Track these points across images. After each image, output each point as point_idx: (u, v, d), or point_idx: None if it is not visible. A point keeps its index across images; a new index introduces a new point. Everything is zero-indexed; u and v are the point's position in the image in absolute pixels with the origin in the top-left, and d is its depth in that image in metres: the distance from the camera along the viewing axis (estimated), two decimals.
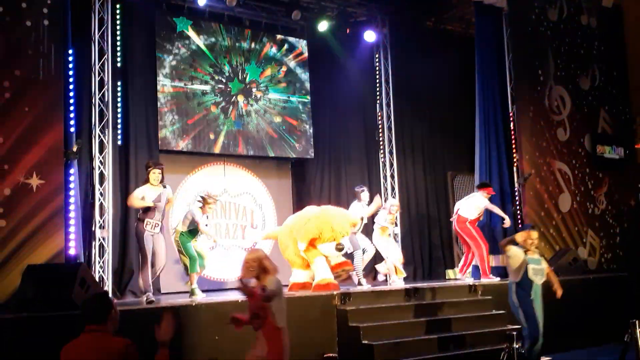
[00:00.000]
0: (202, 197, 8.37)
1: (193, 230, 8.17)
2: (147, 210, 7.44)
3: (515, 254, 6.67)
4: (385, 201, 10.12)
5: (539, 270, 6.69)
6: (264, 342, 4.65)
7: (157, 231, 7.47)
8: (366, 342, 6.88)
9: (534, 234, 6.78)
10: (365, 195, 9.39)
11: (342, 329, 7.16)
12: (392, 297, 7.99)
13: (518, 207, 10.53)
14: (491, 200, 9.89)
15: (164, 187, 7.64)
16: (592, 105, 11.69)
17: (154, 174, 7.54)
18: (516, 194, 10.58)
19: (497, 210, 9.62)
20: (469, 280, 9.62)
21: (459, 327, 7.60)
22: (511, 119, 10.78)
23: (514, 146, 10.72)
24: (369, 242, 9.46)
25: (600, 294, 9.49)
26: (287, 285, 8.81)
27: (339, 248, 8.15)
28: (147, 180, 7.58)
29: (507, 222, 9.54)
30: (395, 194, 11.42)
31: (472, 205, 9.61)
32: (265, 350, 4.62)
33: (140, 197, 7.45)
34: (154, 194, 7.49)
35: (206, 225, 8.25)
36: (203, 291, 8.26)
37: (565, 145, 11.15)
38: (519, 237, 6.75)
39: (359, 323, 7.09)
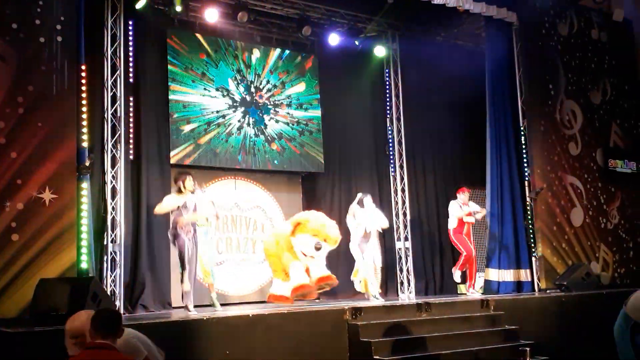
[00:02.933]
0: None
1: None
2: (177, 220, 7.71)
3: None
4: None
5: None
6: None
7: (189, 237, 7.70)
8: (378, 357, 6.82)
9: None
10: (367, 200, 9.34)
11: (354, 344, 7.11)
12: (403, 312, 7.94)
13: (530, 222, 10.48)
14: (502, 211, 10.00)
15: (192, 193, 7.93)
16: (603, 119, 11.66)
17: (189, 181, 7.86)
18: (528, 208, 10.53)
19: (473, 207, 9.86)
20: (476, 295, 9.60)
21: (471, 343, 7.53)
22: (522, 133, 10.77)
23: (525, 160, 10.69)
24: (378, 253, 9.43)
25: (614, 309, 9.36)
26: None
27: (317, 247, 8.10)
28: (179, 190, 7.87)
29: (480, 215, 9.98)
30: (406, 207, 11.39)
31: (450, 213, 9.83)
32: None
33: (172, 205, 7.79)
34: (181, 200, 7.77)
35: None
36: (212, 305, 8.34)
37: (577, 159, 11.12)
38: None
39: (371, 338, 7.05)
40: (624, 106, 12.03)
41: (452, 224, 9.80)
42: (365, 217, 9.26)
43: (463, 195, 9.85)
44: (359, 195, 9.52)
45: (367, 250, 9.23)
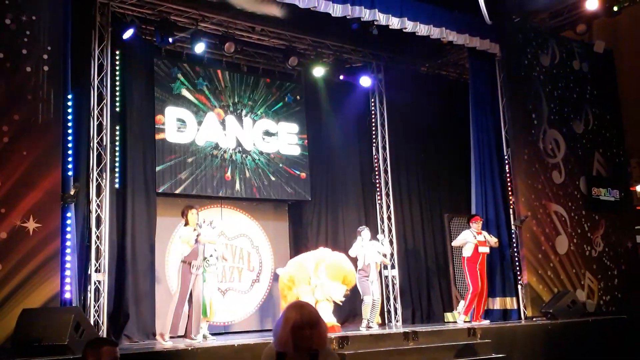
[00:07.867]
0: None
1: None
2: (191, 252, 7.74)
3: None
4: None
5: None
6: None
7: (199, 272, 7.80)
8: None
9: None
10: (366, 233, 9.39)
11: None
12: (390, 341, 7.92)
13: (515, 250, 10.52)
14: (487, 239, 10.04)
15: (200, 227, 8.01)
16: (586, 148, 11.79)
17: (192, 215, 7.95)
18: (513, 236, 10.58)
19: (486, 236, 9.79)
20: (461, 322, 9.60)
21: None
22: (506, 161, 10.87)
23: (509, 189, 10.77)
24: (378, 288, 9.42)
25: (600, 336, 9.41)
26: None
27: (347, 295, 8.55)
28: (187, 223, 7.95)
29: (492, 243, 9.79)
30: (392, 236, 11.40)
31: (463, 242, 9.76)
32: None
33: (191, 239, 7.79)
34: (194, 235, 7.81)
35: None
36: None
37: (561, 187, 11.21)
38: None
39: None
40: (606, 135, 12.17)
41: (465, 252, 9.69)
42: (363, 249, 9.28)
43: (476, 224, 9.78)
44: (359, 228, 9.62)
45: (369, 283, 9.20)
